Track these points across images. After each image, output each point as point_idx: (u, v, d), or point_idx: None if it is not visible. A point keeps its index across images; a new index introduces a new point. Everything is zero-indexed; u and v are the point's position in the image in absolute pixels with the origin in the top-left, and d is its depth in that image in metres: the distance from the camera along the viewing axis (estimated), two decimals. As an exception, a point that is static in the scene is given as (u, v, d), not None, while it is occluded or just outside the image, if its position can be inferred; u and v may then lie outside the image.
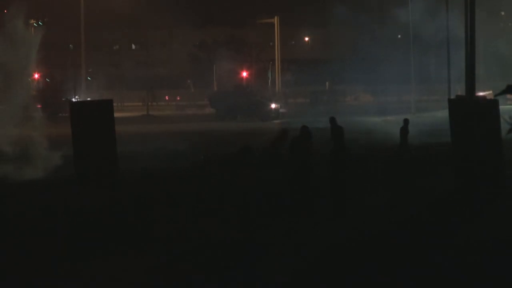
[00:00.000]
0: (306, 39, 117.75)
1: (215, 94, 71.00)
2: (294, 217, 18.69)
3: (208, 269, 14.41)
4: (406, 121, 28.63)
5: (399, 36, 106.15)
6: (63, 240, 16.83)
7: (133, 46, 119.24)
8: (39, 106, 69.87)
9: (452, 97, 35.09)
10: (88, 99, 74.47)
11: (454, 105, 23.24)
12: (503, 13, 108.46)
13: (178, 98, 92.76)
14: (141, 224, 18.28)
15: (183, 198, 21.43)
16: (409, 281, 13.58)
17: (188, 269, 14.50)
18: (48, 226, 18.42)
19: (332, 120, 26.66)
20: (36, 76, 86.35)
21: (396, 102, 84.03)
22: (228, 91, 68.41)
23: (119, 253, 15.66)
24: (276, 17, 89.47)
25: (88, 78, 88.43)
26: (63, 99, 71.23)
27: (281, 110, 65.96)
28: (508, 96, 48.07)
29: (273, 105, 65.11)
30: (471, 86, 26.52)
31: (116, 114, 26.10)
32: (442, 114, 48.13)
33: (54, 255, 15.60)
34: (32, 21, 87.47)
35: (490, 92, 72.84)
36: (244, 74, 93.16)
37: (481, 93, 57.56)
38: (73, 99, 68.79)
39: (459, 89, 59.91)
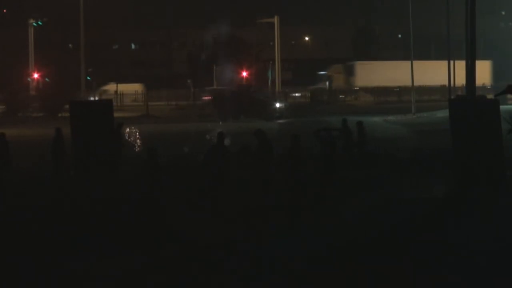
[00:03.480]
0: (306, 38, 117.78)
1: (217, 94, 70.69)
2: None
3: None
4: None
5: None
6: (62, 239, 16.83)
7: (133, 46, 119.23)
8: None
9: None
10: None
11: (454, 105, 23.21)
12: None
13: None
14: (140, 223, 18.29)
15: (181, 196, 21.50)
16: (407, 280, 13.56)
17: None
18: (46, 225, 18.43)
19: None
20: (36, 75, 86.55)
21: (396, 102, 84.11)
22: (231, 90, 68.14)
23: (118, 252, 15.65)
24: (276, 17, 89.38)
25: (88, 77, 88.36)
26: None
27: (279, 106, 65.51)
28: (509, 95, 48.06)
29: (277, 105, 64.78)
30: (471, 86, 26.55)
31: (115, 114, 26.06)
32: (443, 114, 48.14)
33: (54, 254, 15.61)
34: (31, 20, 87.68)
35: None
36: (244, 74, 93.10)
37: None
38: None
39: None
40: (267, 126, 40.30)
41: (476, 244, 15.79)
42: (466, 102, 24.02)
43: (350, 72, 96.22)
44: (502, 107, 22.32)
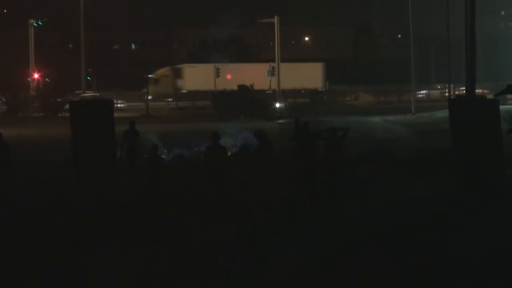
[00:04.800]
0: (306, 38, 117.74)
1: (217, 93, 70.70)
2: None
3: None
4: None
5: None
6: (65, 238, 16.85)
7: (133, 46, 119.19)
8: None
9: None
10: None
11: (454, 105, 23.22)
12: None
13: None
14: (141, 222, 18.30)
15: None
16: (407, 280, 13.57)
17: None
18: (46, 225, 18.45)
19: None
20: (36, 75, 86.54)
21: (396, 102, 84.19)
22: (231, 90, 68.00)
23: (120, 250, 15.68)
24: (276, 17, 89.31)
25: (88, 77, 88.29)
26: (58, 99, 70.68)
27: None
28: (509, 95, 48.10)
29: (277, 105, 64.78)
30: (471, 86, 26.58)
31: (115, 114, 26.00)
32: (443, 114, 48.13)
33: (57, 253, 15.63)
34: (31, 20, 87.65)
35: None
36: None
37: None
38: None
39: None
40: (267, 126, 40.32)
41: (476, 244, 15.80)
42: (466, 102, 24.01)
43: (178, 75, 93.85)
44: (502, 107, 22.34)
